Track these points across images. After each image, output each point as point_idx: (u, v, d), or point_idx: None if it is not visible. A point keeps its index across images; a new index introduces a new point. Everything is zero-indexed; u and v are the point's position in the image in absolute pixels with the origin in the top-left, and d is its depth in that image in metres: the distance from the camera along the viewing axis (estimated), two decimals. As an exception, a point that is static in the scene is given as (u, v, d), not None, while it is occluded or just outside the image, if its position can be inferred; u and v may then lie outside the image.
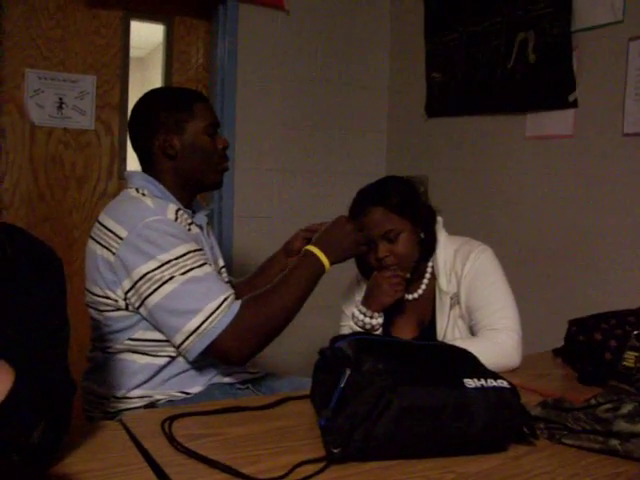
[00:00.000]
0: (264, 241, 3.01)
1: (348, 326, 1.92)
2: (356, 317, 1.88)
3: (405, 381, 1.14)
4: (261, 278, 1.94)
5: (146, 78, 4.07)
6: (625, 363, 1.62)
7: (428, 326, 1.94)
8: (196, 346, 1.51)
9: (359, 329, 1.88)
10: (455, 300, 1.88)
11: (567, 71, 2.70)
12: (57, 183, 3.22)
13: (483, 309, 1.82)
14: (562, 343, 1.95)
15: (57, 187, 3.22)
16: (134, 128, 1.76)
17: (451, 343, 1.74)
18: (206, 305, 1.50)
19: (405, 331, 1.97)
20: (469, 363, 1.27)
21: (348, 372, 1.17)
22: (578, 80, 2.68)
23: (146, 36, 3.71)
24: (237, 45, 3.43)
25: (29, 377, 1.00)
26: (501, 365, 1.71)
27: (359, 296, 1.97)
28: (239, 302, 1.55)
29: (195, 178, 1.74)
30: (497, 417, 1.16)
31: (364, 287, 1.96)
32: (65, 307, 1.20)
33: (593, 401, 1.27)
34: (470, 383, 1.17)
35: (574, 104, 2.70)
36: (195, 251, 1.57)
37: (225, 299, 1.52)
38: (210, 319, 1.50)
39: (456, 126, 3.30)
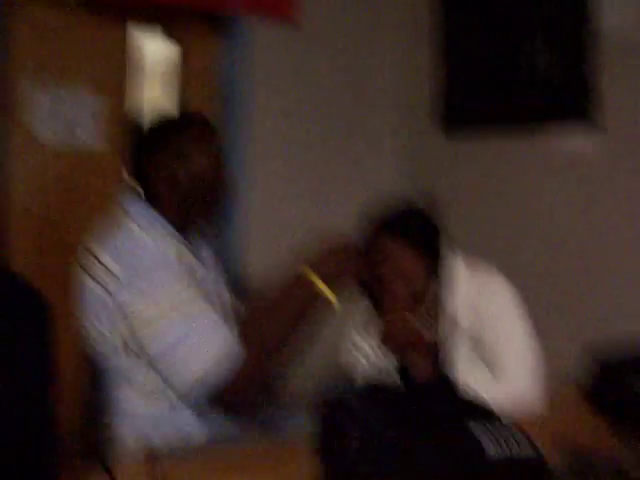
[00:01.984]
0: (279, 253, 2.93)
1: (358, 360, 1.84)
2: (371, 359, 1.79)
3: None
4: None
5: (159, 98, 4.01)
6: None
7: (446, 367, 1.83)
8: (198, 394, 1.43)
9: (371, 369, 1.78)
10: (475, 340, 1.78)
11: (593, 94, 2.61)
12: (67, 207, 3.15)
13: (505, 353, 1.73)
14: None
15: (68, 211, 3.16)
16: (136, 152, 1.69)
17: (471, 389, 1.68)
18: (208, 350, 1.42)
19: (422, 373, 1.85)
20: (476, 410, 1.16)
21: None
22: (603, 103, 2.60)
23: (160, 55, 3.65)
24: (253, 65, 3.36)
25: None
26: (523, 409, 1.62)
27: (373, 327, 1.87)
28: (239, 347, 1.45)
29: (195, 207, 1.68)
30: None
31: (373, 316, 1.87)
32: (48, 360, 1.12)
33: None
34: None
35: (602, 128, 2.60)
36: (193, 286, 1.50)
37: (225, 342, 1.44)
38: (213, 366, 1.41)
39: (472, 147, 3.21)
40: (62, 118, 3.11)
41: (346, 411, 1.16)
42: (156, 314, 1.44)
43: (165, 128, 1.67)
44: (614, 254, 2.64)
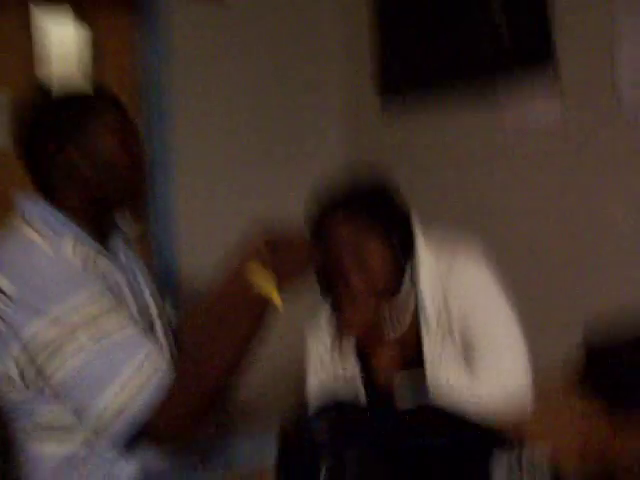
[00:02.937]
0: (214, 248, 2.66)
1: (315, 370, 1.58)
2: (327, 366, 1.54)
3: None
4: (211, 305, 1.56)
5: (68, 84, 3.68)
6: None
7: (414, 359, 1.58)
8: (117, 430, 1.16)
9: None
10: (445, 331, 1.54)
11: (550, 53, 2.40)
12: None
13: (483, 339, 1.49)
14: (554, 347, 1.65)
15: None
16: (22, 140, 1.39)
17: (448, 389, 1.45)
18: (126, 374, 1.15)
19: (386, 364, 1.60)
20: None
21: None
22: (562, 64, 2.39)
23: (69, 39, 3.32)
24: (170, 43, 3.07)
25: None
26: (511, 409, 1.41)
27: (327, 331, 1.62)
28: (169, 367, 1.19)
29: (102, 199, 1.38)
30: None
31: (330, 314, 1.62)
32: None
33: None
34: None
35: (559, 90, 2.39)
36: (102, 297, 1.22)
37: (150, 364, 1.17)
38: (132, 394, 1.14)
39: (420, 118, 2.98)
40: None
41: (309, 436, 0.92)
42: (57, 335, 1.16)
43: (55, 105, 1.37)
44: (572, 223, 2.46)
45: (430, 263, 1.56)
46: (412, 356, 1.58)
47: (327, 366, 1.53)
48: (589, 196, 2.38)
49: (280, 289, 1.27)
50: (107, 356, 1.16)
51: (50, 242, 1.24)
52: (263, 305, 1.23)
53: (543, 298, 2.49)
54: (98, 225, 1.40)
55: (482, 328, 1.50)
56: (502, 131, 2.64)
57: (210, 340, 1.22)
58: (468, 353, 1.52)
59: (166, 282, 2.19)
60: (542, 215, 2.53)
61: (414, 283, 1.57)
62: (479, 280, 1.53)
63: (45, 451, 1.25)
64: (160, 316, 1.47)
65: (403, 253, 1.53)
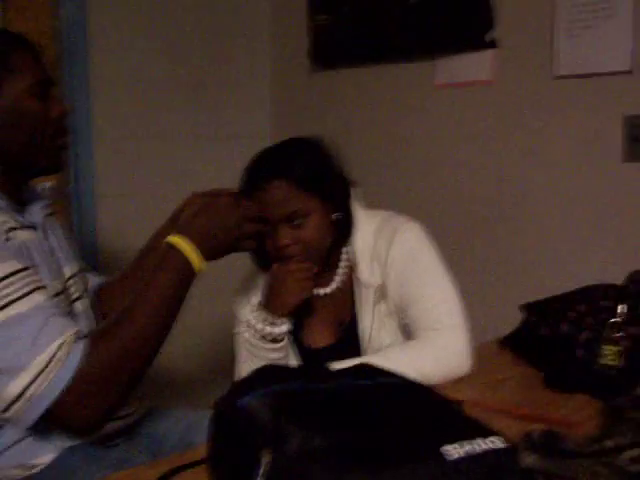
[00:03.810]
0: (136, 224, 2.49)
1: (244, 337, 1.50)
2: (254, 326, 1.46)
3: (357, 464, 0.73)
4: (140, 270, 1.46)
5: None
6: (603, 361, 1.30)
7: (348, 327, 1.54)
8: (25, 416, 1.05)
9: (259, 341, 1.45)
10: (381, 294, 1.49)
11: (483, 5, 2.30)
12: None
13: (419, 304, 1.44)
14: (507, 330, 1.63)
15: None
16: None
17: (384, 353, 1.40)
18: (33, 359, 1.04)
19: (320, 337, 1.56)
20: (444, 414, 0.87)
21: (267, 458, 0.75)
22: (497, 16, 2.30)
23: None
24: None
25: None
26: (450, 373, 1.37)
27: (256, 296, 1.55)
28: (82, 344, 1.08)
29: (20, 160, 1.24)
30: (495, 497, 0.78)
31: (262, 283, 1.54)
32: None
33: (608, 443, 0.91)
34: (451, 452, 0.77)
35: (492, 44, 2.31)
36: (16, 273, 1.09)
37: (61, 345, 1.06)
38: (40, 378, 1.04)
39: (350, 78, 2.84)
40: None
41: (246, 415, 0.84)
42: None
43: None
44: (519, 182, 2.37)
45: (367, 228, 1.51)
46: (345, 321, 1.54)
47: (256, 328, 1.45)
48: (521, 152, 2.34)
49: (205, 251, 1.20)
50: (20, 339, 1.04)
51: None
52: (184, 265, 1.18)
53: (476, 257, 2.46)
54: (14, 193, 1.27)
55: (416, 296, 1.45)
56: (434, 85, 2.56)
57: (127, 308, 1.13)
58: (405, 324, 1.49)
59: (83, 248, 2.05)
60: (473, 170, 2.48)
61: (349, 245, 1.52)
62: (418, 252, 1.48)
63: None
64: (77, 286, 1.35)
65: (339, 217, 1.48)
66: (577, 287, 1.52)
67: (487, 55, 2.34)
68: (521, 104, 2.31)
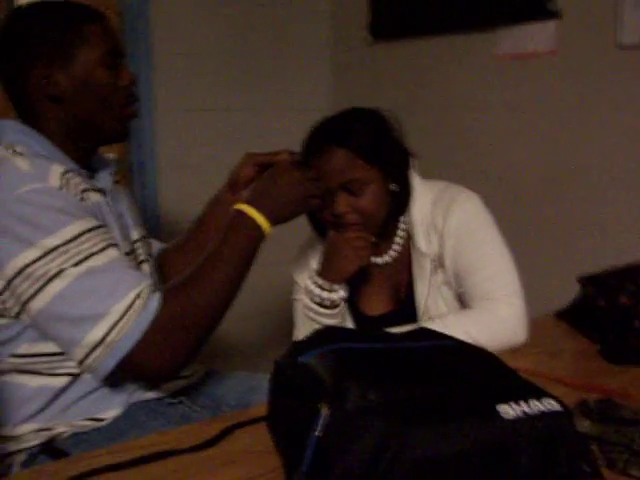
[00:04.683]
0: (197, 196, 2.57)
1: (303, 303, 1.53)
2: (311, 291, 1.49)
3: (414, 419, 0.75)
4: (200, 234, 1.51)
5: None
6: (663, 333, 1.29)
7: (405, 297, 1.55)
8: (104, 363, 1.10)
9: (316, 306, 1.48)
10: (437, 263, 1.50)
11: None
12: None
13: (476, 274, 1.45)
14: (563, 302, 1.62)
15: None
16: (1, 60, 1.28)
17: (439, 320, 1.41)
18: (112, 306, 1.09)
19: (377, 305, 1.58)
20: (499, 375, 0.88)
21: (325, 411, 0.78)
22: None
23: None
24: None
25: None
26: (505, 343, 1.37)
27: (315, 262, 1.58)
28: (158, 296, 1.13)
29: (90, 127, 1.29)
30: (550, 457, 0.79)
31: (320, 250, 1.56)
32: None
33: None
34: (507, 411, 0.78)
35: (555, 14, 2.27)
36: (92, 230, 1.14)
37: (138, 295, 1.11)
38: (119, 325, 1.09)
39: (409, 50, 2.82)
40: None
41: (305, 371, 0.87)
42: (47, 269, 1.09)
43: (32, 18, 1.26)
44: (583, 157, 2.34)
45: (424, 198, 1.52)
46: (401, 289, 1.56)
47: (313, 293, 1.48)
48: (586, 127, 2.31)
49: (274, 216, 1.25)
50: (98, 289, 1.09)
51: (37, 167, 1.16)
52: (254, 227, 1.23)
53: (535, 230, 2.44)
54: (85, 159, 1.32)
55: (473, 267, 1.46)
56: (494, 56, 2.53)
57: (200, 267, 1.18)
58: (461, 293, 1.49)
59: (147, 217, 2.11)
60: (532, 142, 2.45)
61: (406, 215, 1.53)
62: (476, 222, 1.48)
63: (26, 385, 1.19)
64: (143, 249, 1.41)
65: (397, 187, 1.49)
66: (635, 260, 1.51)
67: (550, 25, 2.30)
68: (585, 75, 2.26)
